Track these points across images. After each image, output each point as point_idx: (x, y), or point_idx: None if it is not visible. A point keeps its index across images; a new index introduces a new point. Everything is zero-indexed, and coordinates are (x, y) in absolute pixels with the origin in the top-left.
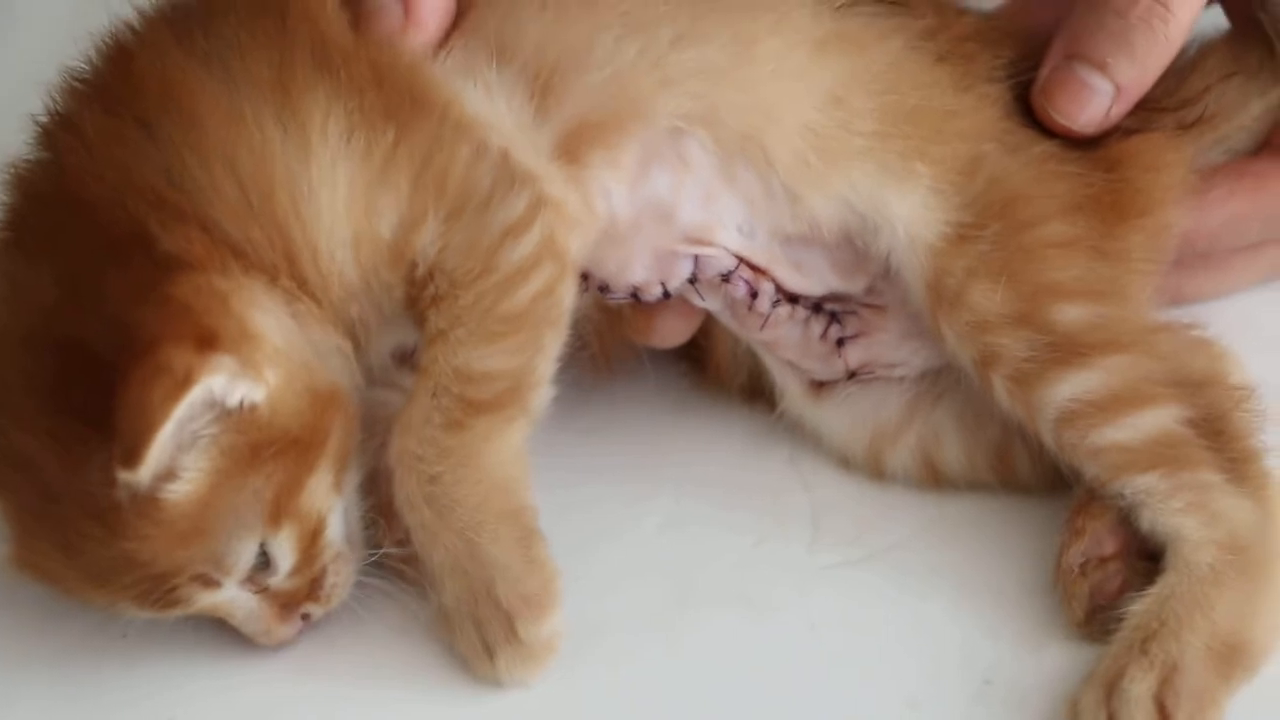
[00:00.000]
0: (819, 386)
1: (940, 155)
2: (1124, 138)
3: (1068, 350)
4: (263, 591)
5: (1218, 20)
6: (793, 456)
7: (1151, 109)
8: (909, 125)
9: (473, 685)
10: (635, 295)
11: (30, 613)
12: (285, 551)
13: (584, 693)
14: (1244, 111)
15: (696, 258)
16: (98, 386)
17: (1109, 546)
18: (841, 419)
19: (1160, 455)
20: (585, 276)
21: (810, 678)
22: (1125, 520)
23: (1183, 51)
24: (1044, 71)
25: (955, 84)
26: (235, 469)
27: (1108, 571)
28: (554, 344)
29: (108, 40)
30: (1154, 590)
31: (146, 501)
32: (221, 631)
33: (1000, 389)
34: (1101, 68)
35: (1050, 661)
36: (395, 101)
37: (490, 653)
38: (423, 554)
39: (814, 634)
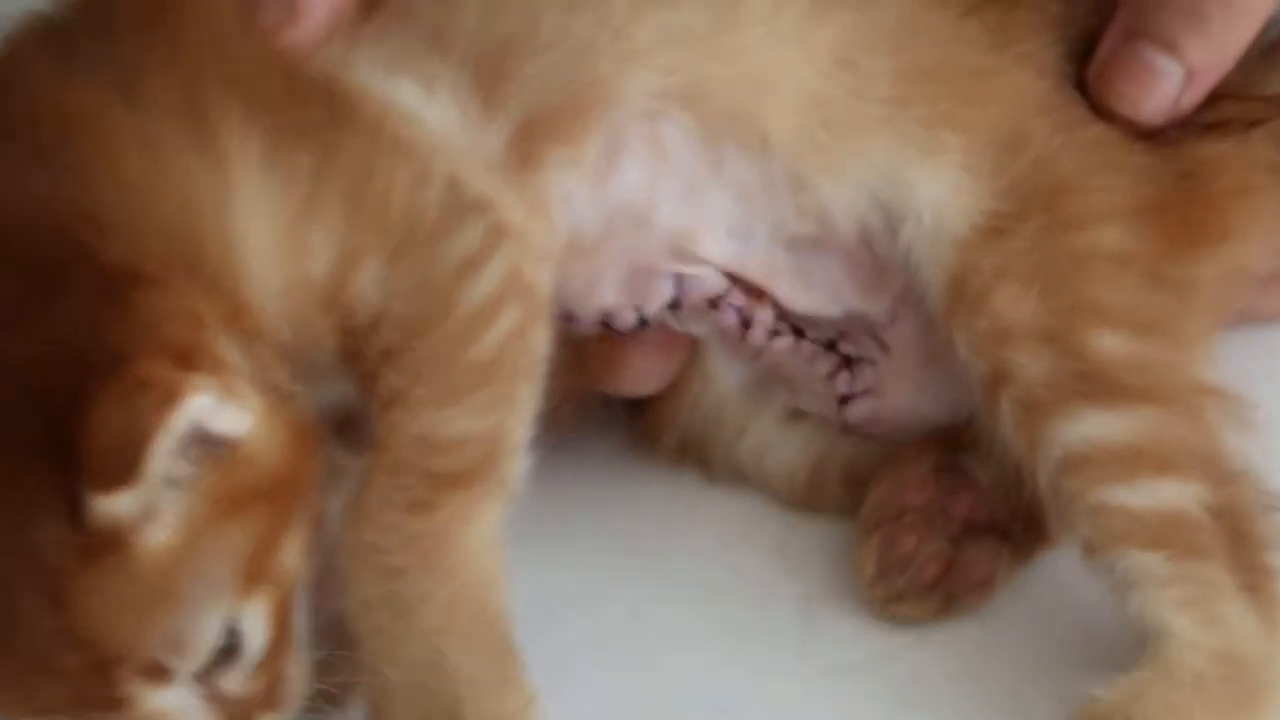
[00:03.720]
0: (798, 415)
1: (974, 122)
2: (1202, 138)
3: (1097, 384)
4: (213, 699)
5: None
6: (783, 541)
7: (1232, 98)
8: (933, 86)
9: None
10: (605, 323)
11: None
12: (257, 627)
13: None
14: None
15: (679, 277)
16: (48, 419)
17: (913, 497)
18: (794, 445)
19: (1170, 535)
20: None
21: None
22: (941, 474)
23: (1268, 27)
24: (1102, 52)
25: (989, 39)
26: (214, 517)
27: (902, 524)
28: (529, 400)
29: None
30: (1123, 683)
31: (112, 550)
32: None
33: (1006, 414)
34: (1170, 48)
35: None
36: (313, 117)
37: None
38: (372, 669)
39: None
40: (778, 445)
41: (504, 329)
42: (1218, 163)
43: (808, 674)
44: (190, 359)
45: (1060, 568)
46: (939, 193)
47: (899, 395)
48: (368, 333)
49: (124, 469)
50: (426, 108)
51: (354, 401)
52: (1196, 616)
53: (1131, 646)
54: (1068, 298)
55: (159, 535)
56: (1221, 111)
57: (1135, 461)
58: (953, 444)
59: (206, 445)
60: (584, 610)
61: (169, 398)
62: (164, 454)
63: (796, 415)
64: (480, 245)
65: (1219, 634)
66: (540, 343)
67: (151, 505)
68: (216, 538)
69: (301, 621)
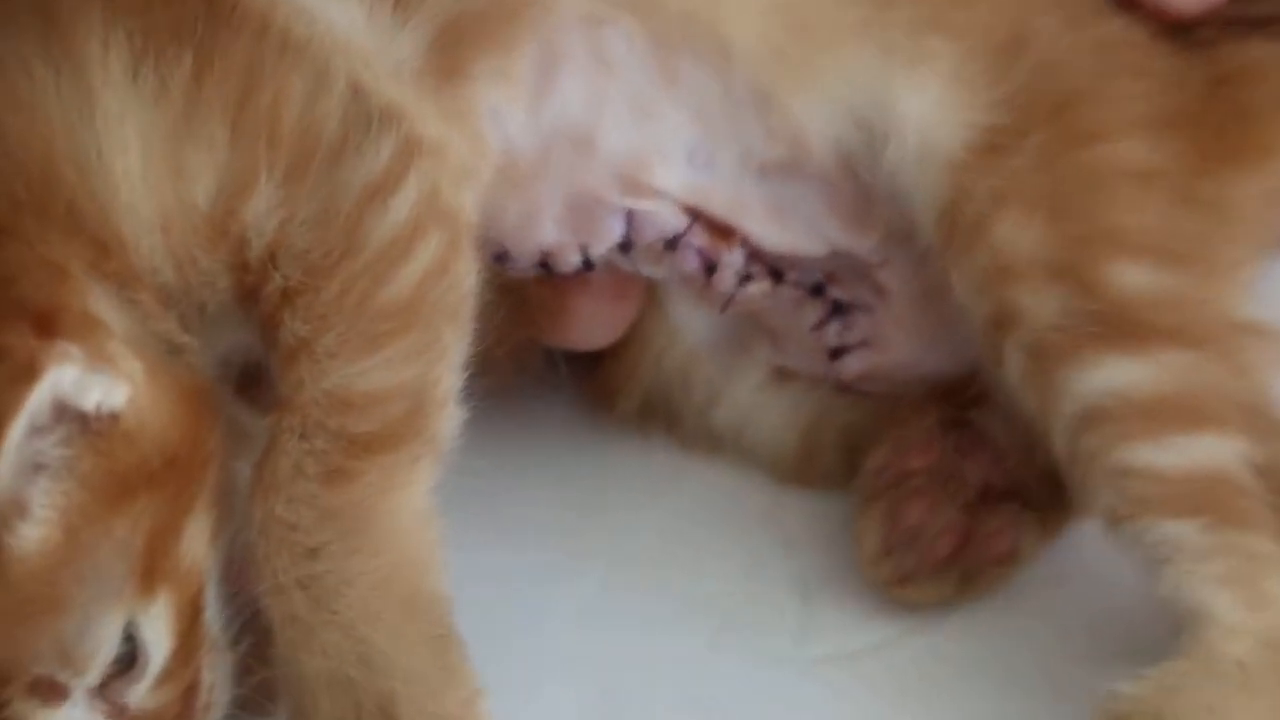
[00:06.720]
0: (785, 374)
1: (965, 25)
2: (1243, 38)
3: (1116, 325)
4: (117, 715)
5: None
6: (774, 508)
7: None
8: None
9: None
10: (544, 265)
11: None
12: (160, 632)
13: None
14: None
15: (629, 213)
16: None
17: (918, 459)
18: (780, 411)
19: (1207, 499)
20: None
21: None
22: (949, 432)
23: None
24: None
25: None
26: (97, 506)
27: (907, 491)
28: (457, 345)
29: None
30: (1153, 676)
31: None
32: None
33: (1013, 364)
34: None
35: None
36: (188, 14)
37: None
38: (288, 661)
39: None
40: (760, 411)
41: (422, 263)
42: (1260, 68)
43: (805, 663)
44: (51, 322)
45: (1087, 539)
46: (925, 108)
47: (900, 347)
48: (264, 270)
49: None
50: (325, 4)
51: (258, 351)
52: (1239, 595)
53: (1168, 631)
54: (1080, 224)
55: (33, 533)
56: (1266, 6)
57: (1164, 415)
58: (962, 396)
59: (77, 422)
60: (544, 592)
61: (26, 371)
62: (25, 437)
63: (781, 375)
64: (390, 164)
65: (1266, 616)
66: (466, 277)
67: (18, 498)
68: (103, 531)
69: (216, 617)
